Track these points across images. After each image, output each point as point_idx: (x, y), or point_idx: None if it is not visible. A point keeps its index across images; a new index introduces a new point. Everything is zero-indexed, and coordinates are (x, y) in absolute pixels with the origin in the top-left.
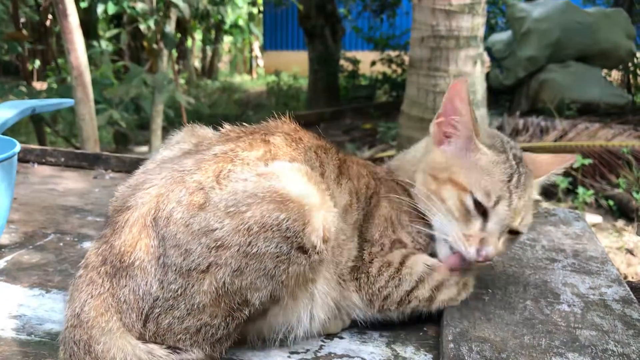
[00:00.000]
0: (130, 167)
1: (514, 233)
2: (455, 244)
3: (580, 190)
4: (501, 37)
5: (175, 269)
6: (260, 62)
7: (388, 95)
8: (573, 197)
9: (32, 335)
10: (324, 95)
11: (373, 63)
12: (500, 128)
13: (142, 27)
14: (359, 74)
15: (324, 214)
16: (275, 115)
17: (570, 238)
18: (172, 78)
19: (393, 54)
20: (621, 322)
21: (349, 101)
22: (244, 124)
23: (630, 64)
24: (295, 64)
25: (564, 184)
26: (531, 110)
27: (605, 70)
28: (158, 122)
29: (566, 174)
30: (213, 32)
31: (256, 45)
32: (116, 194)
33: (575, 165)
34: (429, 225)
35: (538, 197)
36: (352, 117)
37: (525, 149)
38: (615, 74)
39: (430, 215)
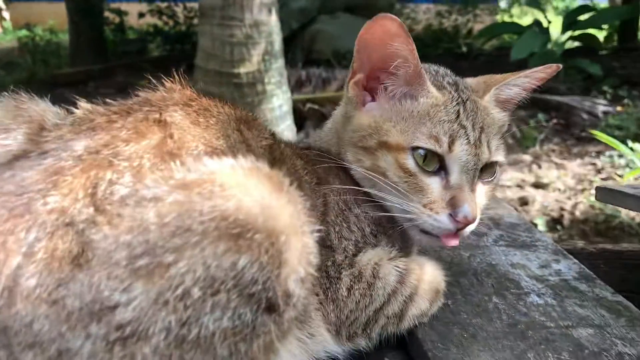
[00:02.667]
0: None
1: (488, 170)
2: (422, 223)
3: None
4: None
5: None
6: (6, 14)
7: (162, 49)
8: None
9: None
10: (89, 50)
11: (141, 15)
12: None
13: None
14: (126, 27)
15: (301, 238)
16: (153, 81)
17: None
18: None
19: (162, 4)
20: (604, 308)
21: (119, 57)
22: (107, 99)
23: None
24: (51, 17)
25: None
26: (307, 61)
27: None
28: None
29: None
30: None
31: None
32: None
33: None
34: (380, 206)
35: (501, 114)
36: (124, 74)
37: (310, 100)
38: None
39: (380, 197)
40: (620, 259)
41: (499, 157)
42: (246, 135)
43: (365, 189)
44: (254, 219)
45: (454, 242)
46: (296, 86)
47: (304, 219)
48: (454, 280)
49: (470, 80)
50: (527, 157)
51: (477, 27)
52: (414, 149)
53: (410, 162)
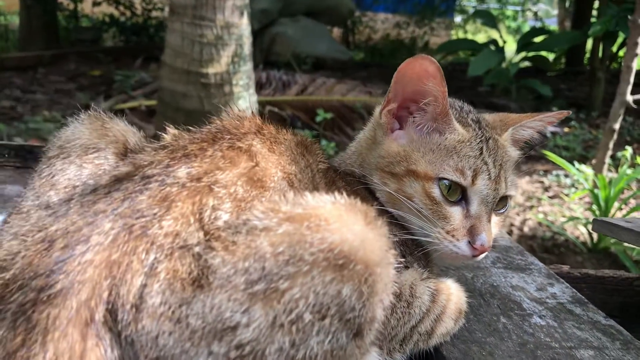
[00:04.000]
0: None
1: (502, 203)
2: (443, 248)
3: (324, 142)
4: None
5: None
6: None
7: (117, 40)
8: None
9: None
10: (40, 35)
11: (97, 3)
12: None
13: None
14: (80, 15)
15: (389, 270)
16: (222, 108)
17: None
18: None
19: None
20: (600, 332)
21: (72, 44)
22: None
23: (349, 22)
24: None
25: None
26: (266, 63)
27: (329, 27)
28: None
29: (310, 127)
30: None
31: None
32: (2, 254)
33: (318, 119)
34: (402, 227)
35: (515, 152)
36: (77, 61)
37: (270, 103)
38: (337, 32)
39: (404, 219)
40: (602, 284)
41: (513, 191)
42: (308, 160)
43: (390, 211)
44: (356, 251)
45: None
46: (256, 88)
47: (391, 252)
48: None
49: (487, 117)
50: None
51: (434, 40)
52: (440, 179)
53: (436, 191)
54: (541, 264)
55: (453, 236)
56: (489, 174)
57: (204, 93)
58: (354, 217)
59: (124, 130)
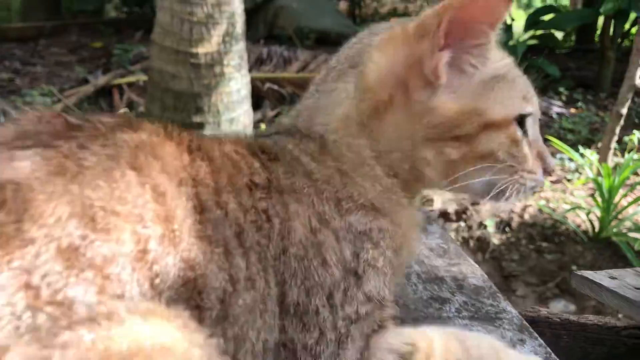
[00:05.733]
0: None
1: None
2: (525, 189)
3: None
4: None
5: None
6: None
7: (119, 11)
8: None
9: None
10: (42, 5)
11: None
12: None
13: None
14: None
15: None
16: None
17: (438, 256)
18: None
19: None
20: None
21: (74, 15)
22: None
23: None
24: None
25: None
26: (269, 37)
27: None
28: None
29: None
30: None
31: None
32: None
33: None
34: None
35: None
36: (78, 33)
37: (269, 80)
38: (343, 4)
39: (468, 180)
40: (584, 332)
41: None
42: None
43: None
44: None
45: None
46: (256, 64)
47: None
48: None
49: None
50: None
51: None
52: (516, 117)
53: (519, 132)
54: (514, 311)
55: (532, 172)
56: (534, 87)
57: (194, 74)
58: None
59: None
